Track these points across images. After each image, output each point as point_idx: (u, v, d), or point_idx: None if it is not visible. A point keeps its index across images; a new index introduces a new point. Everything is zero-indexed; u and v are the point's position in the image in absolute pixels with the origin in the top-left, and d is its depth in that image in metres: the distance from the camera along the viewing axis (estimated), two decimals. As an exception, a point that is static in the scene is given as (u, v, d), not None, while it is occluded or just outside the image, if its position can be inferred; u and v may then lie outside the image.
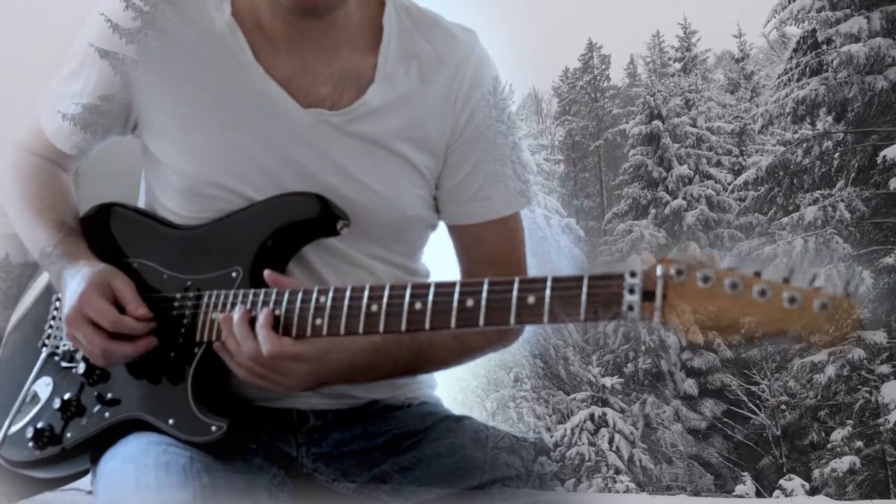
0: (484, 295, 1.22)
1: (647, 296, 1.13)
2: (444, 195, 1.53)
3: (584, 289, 1.16)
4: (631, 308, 1.14)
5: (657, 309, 1.12)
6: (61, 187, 1.59)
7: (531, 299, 1.19)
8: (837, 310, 1.05)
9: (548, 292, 1.19)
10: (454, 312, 1.23)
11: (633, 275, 1.14)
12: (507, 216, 1.54)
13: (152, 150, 1.49)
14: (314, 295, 1.32)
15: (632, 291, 1.14)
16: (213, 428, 1.35)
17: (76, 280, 1.41)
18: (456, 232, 1.56)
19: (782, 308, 1.07)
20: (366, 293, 1.29)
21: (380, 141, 1.45)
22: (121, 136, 1.54)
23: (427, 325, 1.25)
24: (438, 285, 1.26)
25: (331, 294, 1.31)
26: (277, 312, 1.32)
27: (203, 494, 1.24)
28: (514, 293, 1.20)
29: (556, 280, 1.19)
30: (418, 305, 1.25)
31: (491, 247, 1.54)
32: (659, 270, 1.13)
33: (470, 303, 1.23)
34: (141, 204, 1.58)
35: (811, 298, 1.06)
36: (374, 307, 1.28)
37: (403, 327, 1.26)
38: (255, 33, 1.45)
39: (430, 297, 1.25)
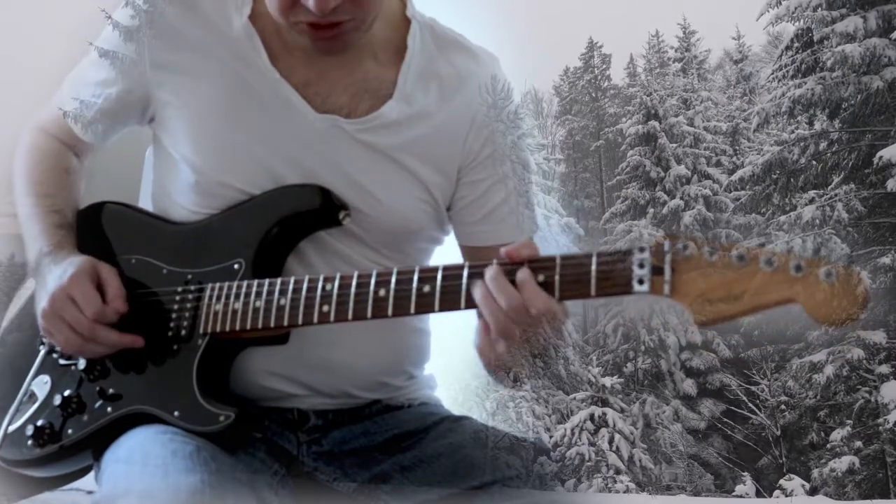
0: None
1: (656, 271, 1.15)
2: (457, 215, 1.54)
3: (594, 266, 1.18)
4: (641, 282, 1.15)
5: (666, 282, 1.14)
6: (67, 174, 1.58)
7: (541, 277, 1.21)
8: (842, 282, 1.07)
9: (558, 269, 1.20)
10: (462, 294, 1.24)
11: (641, 249, 1.16)
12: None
13: (165, 145, 1.50)
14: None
15: (641, 266, 1.15)
16: (222, 417, 1.34)
17: (61, 266, 1.41)
18: (469, 254, 1.56)
19: (790, 277, 1.09)
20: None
21: (389, 153, 1.46)
22: (139, 126, 1.54)
23: (436, 307, 1.26)
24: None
25: (329, 283, 1.32)
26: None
27: (210, 481, 1.24)
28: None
29: (564, 258, 1.21)
30: (428, 291, 1.26)
31: None
32: (666, 245, 1.15)
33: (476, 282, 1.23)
34: (142, 200, 1.58)
35: (816, 266, 1.08)
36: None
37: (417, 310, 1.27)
38: (275, 38, 1.45)
39: (439, 281, 1.26)
